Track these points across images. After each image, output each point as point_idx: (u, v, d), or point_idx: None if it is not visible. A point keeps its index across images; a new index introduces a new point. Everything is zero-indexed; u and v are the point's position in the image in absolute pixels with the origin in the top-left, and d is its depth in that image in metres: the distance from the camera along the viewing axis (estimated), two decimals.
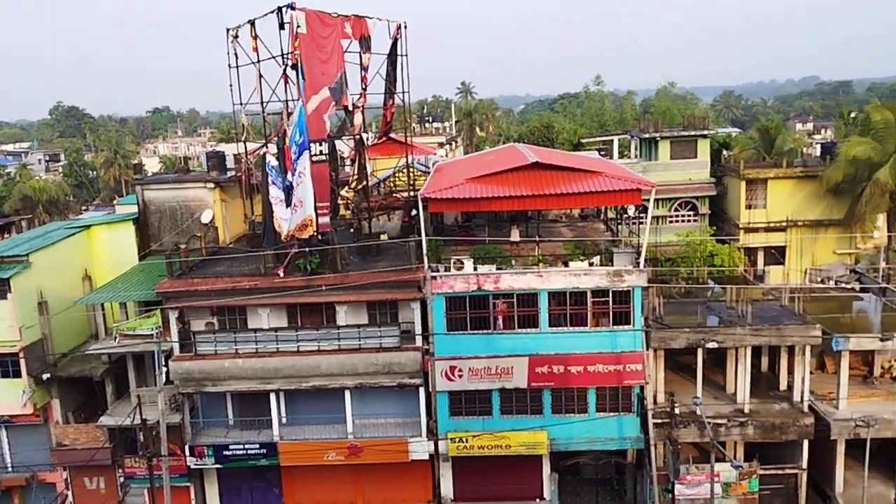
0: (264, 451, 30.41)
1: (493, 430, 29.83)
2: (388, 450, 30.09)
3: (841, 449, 29.77)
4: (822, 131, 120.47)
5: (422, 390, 30.09)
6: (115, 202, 50.83)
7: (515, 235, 32.99)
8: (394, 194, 39.83)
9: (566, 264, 29.77)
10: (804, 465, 29.65)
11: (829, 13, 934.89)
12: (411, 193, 36.12)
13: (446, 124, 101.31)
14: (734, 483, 29.59)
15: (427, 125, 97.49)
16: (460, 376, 29.60)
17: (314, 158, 29.53)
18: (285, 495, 32.38)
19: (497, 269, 29.60)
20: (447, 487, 31.16)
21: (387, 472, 31.12)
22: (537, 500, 31.34)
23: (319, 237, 30.71)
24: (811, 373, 30.50)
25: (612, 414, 29.81)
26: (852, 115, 68.62)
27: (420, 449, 30.24)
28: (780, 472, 29.90)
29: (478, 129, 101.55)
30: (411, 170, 38.16)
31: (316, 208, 29.60)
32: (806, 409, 29.59)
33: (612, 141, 57.73)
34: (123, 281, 33.03)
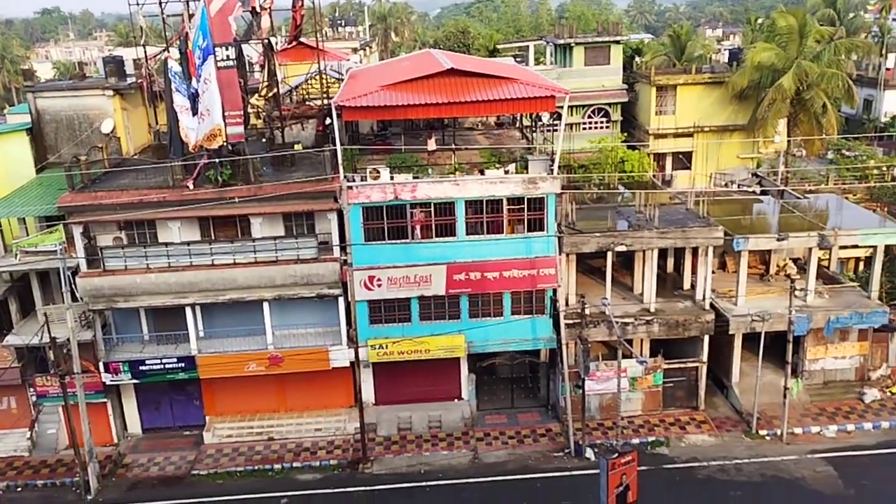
0: (182, 364, 30.21)
1: (413, 335, 30.47)
2: (309, 359, 30.38)
3: (738, 342, 31.92)
4: (731, 37, 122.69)
5: (341, 300, 30.26)
6: (4, 111, 47.57)
7: (432, 144, 32.81)
8: (307, 102, 38.67)
9: (482, 172, 29.94)
10: (704, 358, 31.66)
11: None
12: (325, 101, 35.18)
13: (360, 29, 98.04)
14: (640, 377, 31.48)
15: (340, 29, 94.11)
16: (379, 285, 29.86)
17: (220, 64, 28.17)
18: (206, 407, 32.50)
19: (414, 178, 29.51)
20: (368, 392, 31.92)
21: (309, 380, 31.54)
22: (455, 399, 32.57)
23: (230, 147, 29.74)
24: (713, 272, 32.18)
25: (526, 316, 30.86)
26: (759, 21, 69.93)
27: (341, 357, 30.68)
28: (682, 365, 31.88)
29: (393, 34, 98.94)
30: (324, 77, 37.01)
31: (225, 117, 28.51)
32: (707, 306, 31.35)
33: (528, 47, 57.26)
34: (20, 195, 31.33)
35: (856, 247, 34.91)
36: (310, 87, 40.46)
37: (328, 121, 32.63)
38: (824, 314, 30.95)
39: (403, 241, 29.62)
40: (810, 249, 31.49)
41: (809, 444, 29.51)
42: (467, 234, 29.69)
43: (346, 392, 32.37)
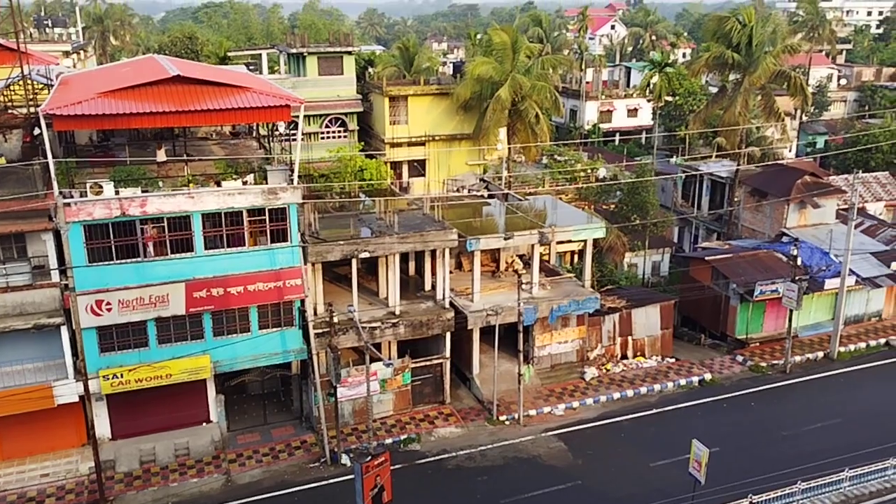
0: None
1: (152, 361, 28.45)
2: (29, 398, 27.01)
3: (476, 336, 34.12)
4: (455, 51, 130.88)
5: (64, 329, 27.34)
6: None
7: (161, 155, 30.90)
8: (9, 111, 34.36)
9: (219, 184, 28.83)
10: (448, 354, 33.41)
11: None
12: (32, 110, 31.54)
13: (71, 31, 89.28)
14: (390, 379, 32.37)
15: (47, 31, 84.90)
16: (109, 310, 27.47)
17: None
18: None
19: (143, 191, 27.56)
20: (104, 427, 29.21)
21: (31, 421, 28.05)
22: (204, 423, 30.97)
23: None
24: (451, 272, 34.08)
25: (274, 330, 30.27)
26: (478, 36, 75.38)
27: (68, 392, 27.69)
28: (428, 363, 33.34)
29: (112, 38, 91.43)
30: (30, 82, 33.16)
31: None
32: (447, 305, 33.12)
33: (260, 55, 56.31)
34: None
35: (570, 241, 39.02)
36: (13, 93, 36.00)
37: (37, 131, 29.33)
38: (548, 304, 34.21)
39: (135, 259, 27.54)
40: (533, 246, 34.65)
41: (543, 424, 32.39)
42: (206, 248, 28.39)
43: (76, 430, 29.33)
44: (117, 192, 26.99)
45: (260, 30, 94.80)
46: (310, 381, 31.16)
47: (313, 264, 30.76)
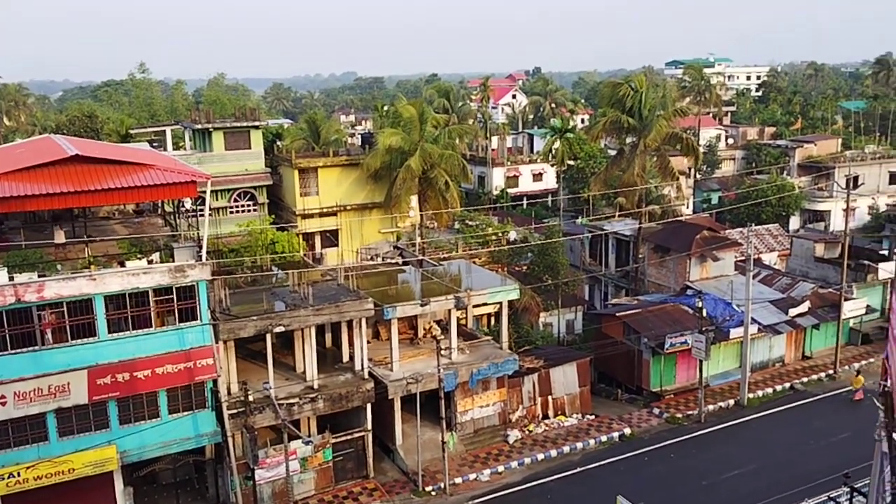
0: None
1: (52, 456, 26.61)
2: None
3: (398, 405, 33.60)
4: (363, 123, 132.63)
5: None
6: None
7: (60, 237, 29.71)
8: None
9: (122, 264, 27.81)
10: (369, 426, 32.69)
11: (364, 18, 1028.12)
12: None
13: None
14: (310, 456, 31.32)
15: None
16: (3, 404, 25.68)
17: None
18: None
19: (40, 276, 26.26)
20: None
21: None
22: None
23: None
24: (368, 342, 33.68)
25: (186, 413, 28.95)
26: (385, 108, 76.79)
27: None
28: (349, 437, 32.48)
29: (5, 119, 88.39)
30: None
31: None
32: (367, 375, 32.60)
33: (164, 132, 55.44)
34: None
35: (486, 304, 39.31)
36: None
37: None
38: (468, 368, 34.17)
39: (32, 348, 26.01)
40: (449, 311, 34.75)
41: (469, 492, 31.90)
42: (110, 332, 27.12)
43: None
44: (12, 278, 25.63)
45: (164, 106, 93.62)
46: (225, 465, 29.79)
47: (225, 342, 29.82)
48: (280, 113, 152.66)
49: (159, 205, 37.92)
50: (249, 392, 27.90)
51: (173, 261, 28.31)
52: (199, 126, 47.08)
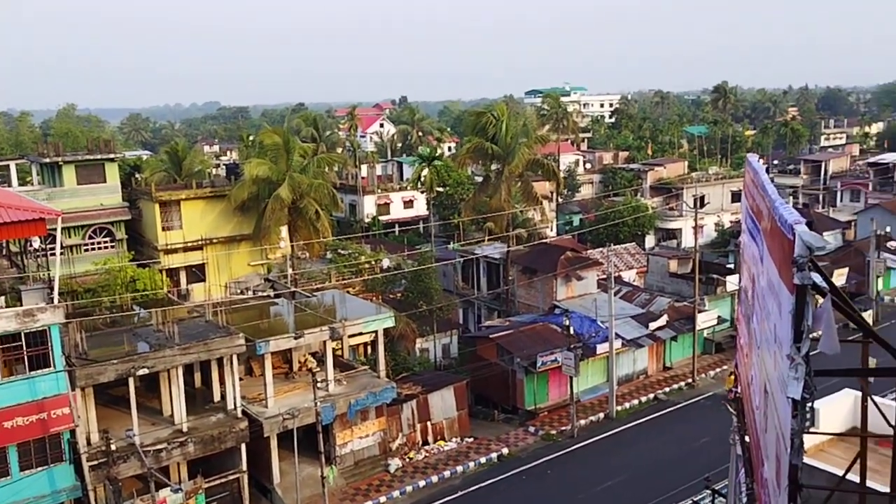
0: None
1: None
2: None
3: (274, 443, 32.58)
4: (228, 153, 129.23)
5: None
6: None
7: None
8: None
9: None
10: (244, 467, 31.50)
11: (226, 47, 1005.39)
12: None
13: None
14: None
15: None
16: None
17: None
18: None
19: None
20: None
21: None
22: None
23: None
24: (241, 379, 32.57)
25: (40, 469, 26.74)
26: (251, 138, 75.28)
27: None
28: (223, 480, 31.16)
29: None
30: None
31: None
32: (240, 414, 31.45)
33: (7, 167, 51.66)
34: None
35: (361, 333, 39.07)
36: None
37: None
38: (346, 399, 33.72)
39: None
40: (325, 342, 34.23)
41: None
42: None
43: None
44: None
45: (7, 139, 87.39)
46: None
47: (83, 389, 27.93)
48: (138, 144, 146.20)
49: (4, 245, 35.16)
50: (112, 441, 26.19)
51: (21, 304, 26.29)
52: (48, 160, 44.25)
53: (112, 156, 45.98)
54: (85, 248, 43.84)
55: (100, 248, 44.40)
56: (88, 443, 27.93)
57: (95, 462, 27.10)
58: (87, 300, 35.47)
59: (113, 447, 26.26)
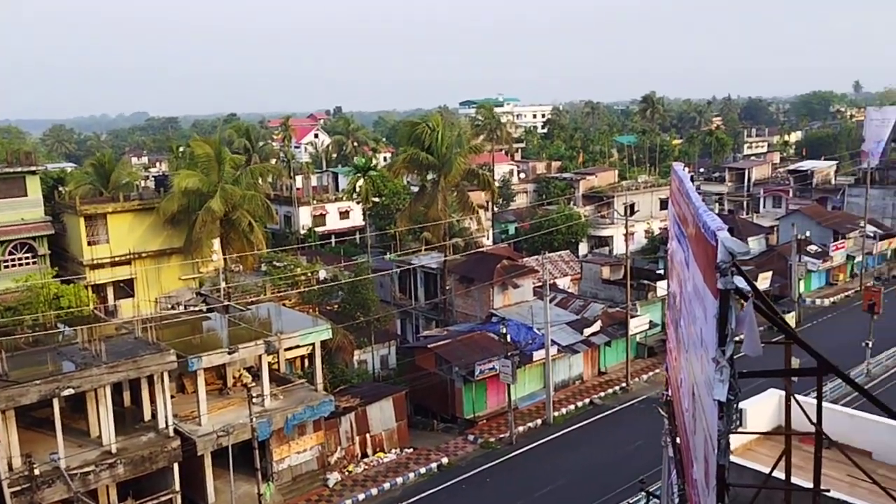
0: None
1: None
2: None
3: (208, 461, 31.76)
4: (158, 164, 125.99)
5: None
6: None
7: None
8: None
9: None
10: (177, 487, 30.60)
11: (152, 55, 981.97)
12: None
13: None
14: None
15: None
16: None
17: None
18: None
19: None
20: None
21: None
22: None
23: None
24: (173, 397, 31.68)
25: None
26: (181, 149, 73.54)
27: None
28: (156, 501, 30.20)
29: None
30: None
31: None
32: (172, 433, 30.58)
33: None
34: None
35: (298, 346, 38.54)
36: None
37: None
38: (282, 414, 33.16)
39: None
40: (260, 356, 33.61)
41: None
42: None
43: None
44: None
45: None
46: None
47: (3, 412, 26.72)
48: (62, 156, 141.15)
49: None
50: (35, 465, 25.17)
51: None
52: None
53: (33, 168, 44.24)
54: (5, 264, 42.08)
55: (21, 265, 42.66)
56: (10, 468, 26.69)
57: (18, 488, 25.91)
58: (7, 319, 34.02)
59: (37, 472, 25.24)
